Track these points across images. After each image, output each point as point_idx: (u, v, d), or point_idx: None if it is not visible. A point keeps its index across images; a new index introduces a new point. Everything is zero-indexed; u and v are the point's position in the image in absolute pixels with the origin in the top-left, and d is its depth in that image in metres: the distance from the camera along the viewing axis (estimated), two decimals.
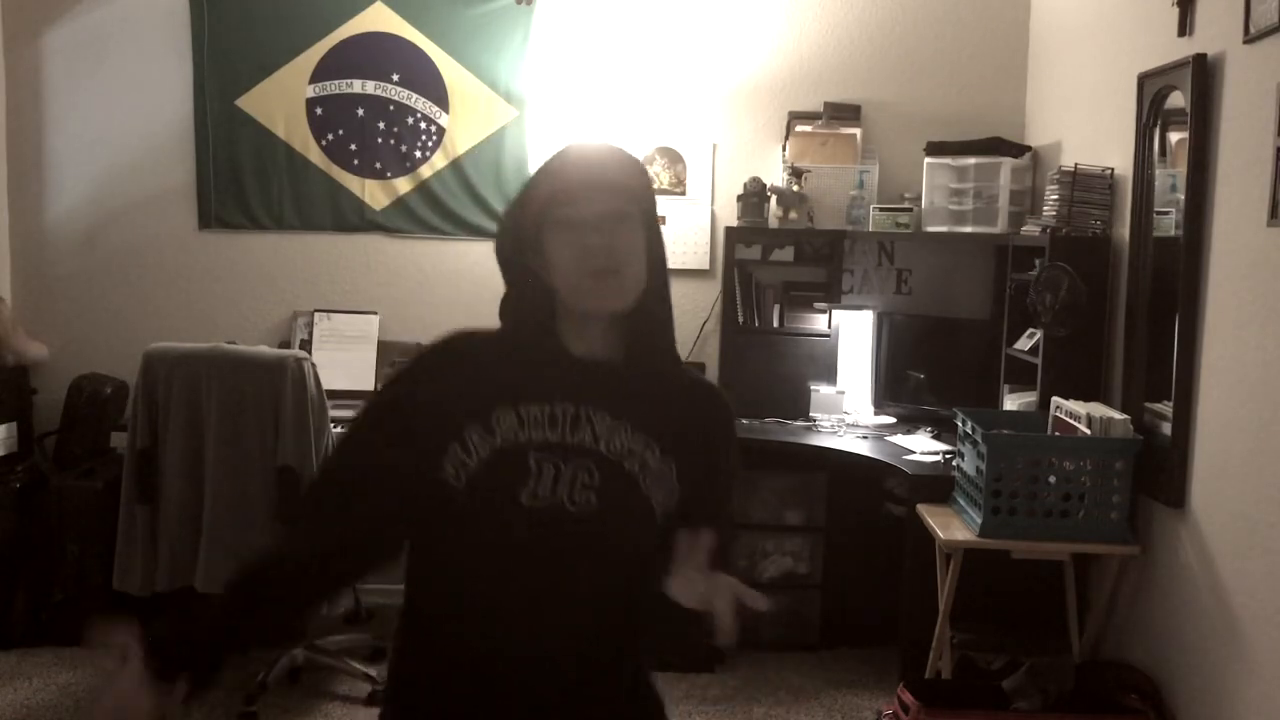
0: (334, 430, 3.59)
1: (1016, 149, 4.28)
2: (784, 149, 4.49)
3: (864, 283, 4.56)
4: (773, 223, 4.41)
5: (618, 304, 1.45)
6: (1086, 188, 3.61)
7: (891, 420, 4.38)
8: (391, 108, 4.55)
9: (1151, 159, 3.33)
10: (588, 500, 1.42)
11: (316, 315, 4.52)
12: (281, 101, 4.54)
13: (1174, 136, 3.28)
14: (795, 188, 4.36)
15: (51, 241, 4.62)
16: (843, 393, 4.46)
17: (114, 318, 4.60)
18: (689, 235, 4.54)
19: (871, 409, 4.47)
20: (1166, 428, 3.15)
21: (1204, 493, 3.00)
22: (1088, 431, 3.24)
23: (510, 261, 1.51)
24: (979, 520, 3.25)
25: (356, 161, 4.58)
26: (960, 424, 3.48)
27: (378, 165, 4.58)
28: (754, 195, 4.38)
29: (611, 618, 1.44)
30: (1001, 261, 4.29)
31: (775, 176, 4.47)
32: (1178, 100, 3.16)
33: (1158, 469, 3.17)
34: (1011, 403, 3.95)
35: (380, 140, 4.56)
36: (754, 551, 4.11)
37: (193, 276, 4.63)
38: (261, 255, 4.63)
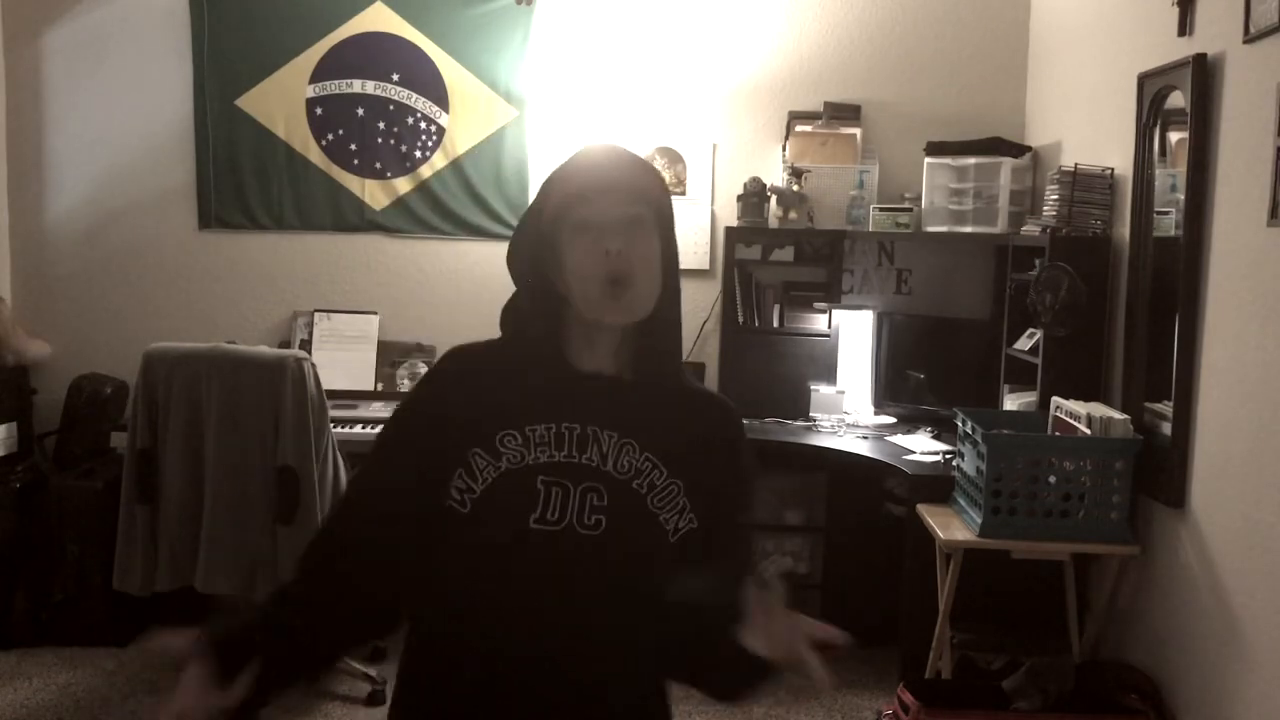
0: (334, 430, 3.59)
1: (1016, 149, 4.28)
2: (784, 149, 4.49)
3: (864, 283, 4.57)
4: (773, 223, 4.42)
5: (630, 317, 1.42)
6: (1086, 188, 3.61)
7: (891, 420, 4.38)
8: (391, 108, 4.55)
9: (1151, 159, 3.33)
10: (597, 522, 1.39)
11: (316, 315, 4.52)
12: (281, 101, 4.54)
13: (1174, 136, 3.27)
14: (795, 188, 4.36)
15: (51, 241, 4.62)
16: (843, 393, 4.46)
17: (114, 318, 4.61)
18: (689, 235, 4.54)
19: (871, 409, 4.47)
20: (1166, 428, 3.15)
21: (1204, 493, 2.99)
22: (1088, 431, 3.24)
23: (522, 266, 1.48)
24: (979, 520, 3.25)
25: (356, 161, 4.58)
26: (960, 424, 3.48)
27: (378, 165, 4.58)
28: (754, 195, 4.39)
29: (621, 638, 1.41)
30: (1001, 261, 4.29)
31: (775, 176, 4.47)
32: (1178, 100, 3.16)
33: (1158, 469, 3.17)
34: (1011, 403, 3.95)
35: (380, 140, 4.56)
36: (754, 552, 4.11)
37: (193, 276, 4.63)
38: (261, 255, 4.63)
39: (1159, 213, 3.33)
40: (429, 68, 4.54)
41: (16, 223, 4.59)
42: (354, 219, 4.60)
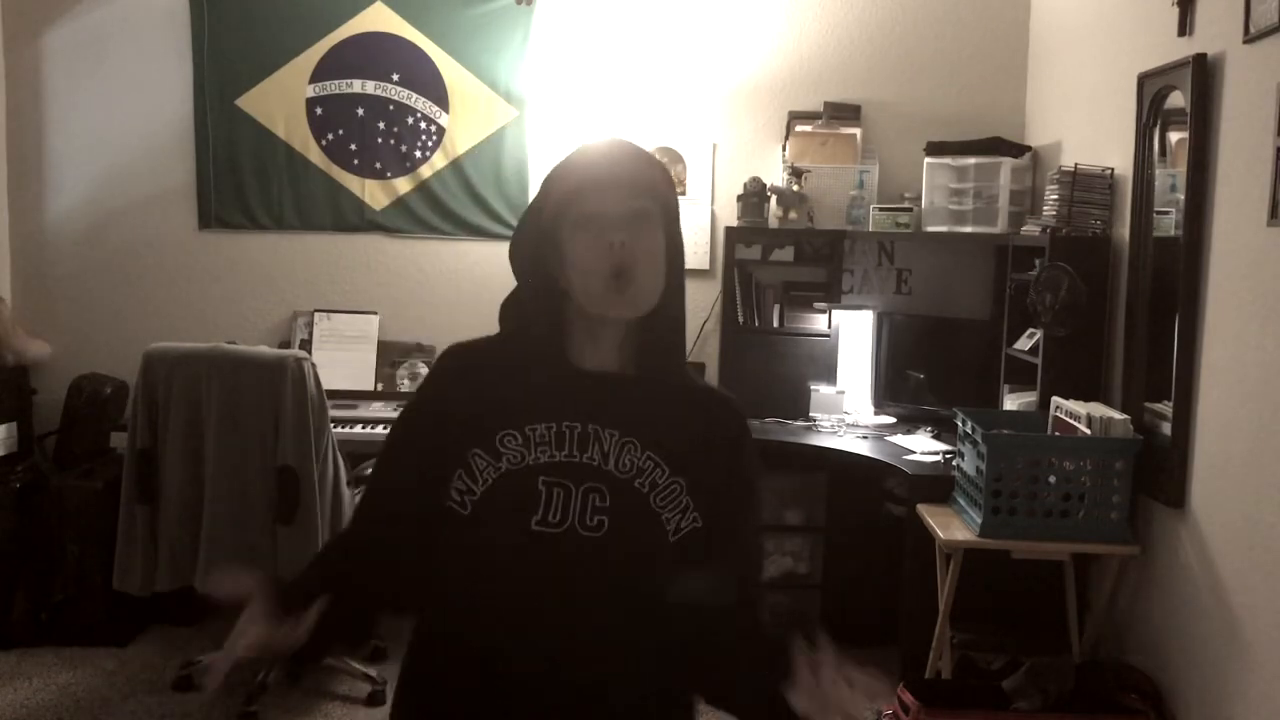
0: (334, 430, 3.59)
1: (1016, 149, 4.28)
2: (784, 149, 4.49)
3: (864, 283, 4.57)
4: (773, 223, 4.41)
5: (633, 311, 1.40)
6: (1086, 188, 3.61)
7: (891, 420, 4.38)
8: (391, 108, 4.55)
9: (1151, 159, 3.33)
10: (600, 523, 1.37)
11: (316, 315, 4.52)
12: (281, 101, 4.54)
13: (1174, 136, 3.27)
14: (795, 188, 4.36)
15: (51, 241, 4.62)
16: (843, 393, 4.46)
17: (114, 318, 4.61)
18: (689, 235, 4.48)
19: (871, 409, 4.47)
20: (1166, 428, 3.15)
21: (1204, 493, 2.99)
22: (1088, 431, 3.24)
23: (524, 260, 1.46)
24: (979, 520, 3.25)
25: (356, 161, 4.58)
26: (960, 424, 3.48)
27: (378, 165, 4.58)
28: (754, 195, 4.38)
29: (622, 639, 1.39)
30: (1001, 261, 4.29)
31: (775, 176, 4.47)
32: (1178, 100, 3.16)
33: (1158, 469, 3.17)
34: (1011, 403, 3.95)
35: (380, 140, 4.56)
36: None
37: (193, 276, 4.64)
38: (261, 255, 4.63)
39: (1159, 213, 3.33)
40: (429, 68, 4.54)
41: (16, 223, 4.59)
42: (354, 219, 4.60)
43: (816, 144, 4.45)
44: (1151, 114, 3.31)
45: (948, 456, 3.79)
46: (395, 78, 4.54)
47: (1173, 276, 3.12)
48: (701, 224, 4.56)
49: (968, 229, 4.29)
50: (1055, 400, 3.46)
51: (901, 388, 4.45)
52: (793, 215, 4.37)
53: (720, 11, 4.53)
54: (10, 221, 4.58)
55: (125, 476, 3.53)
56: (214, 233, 4.62)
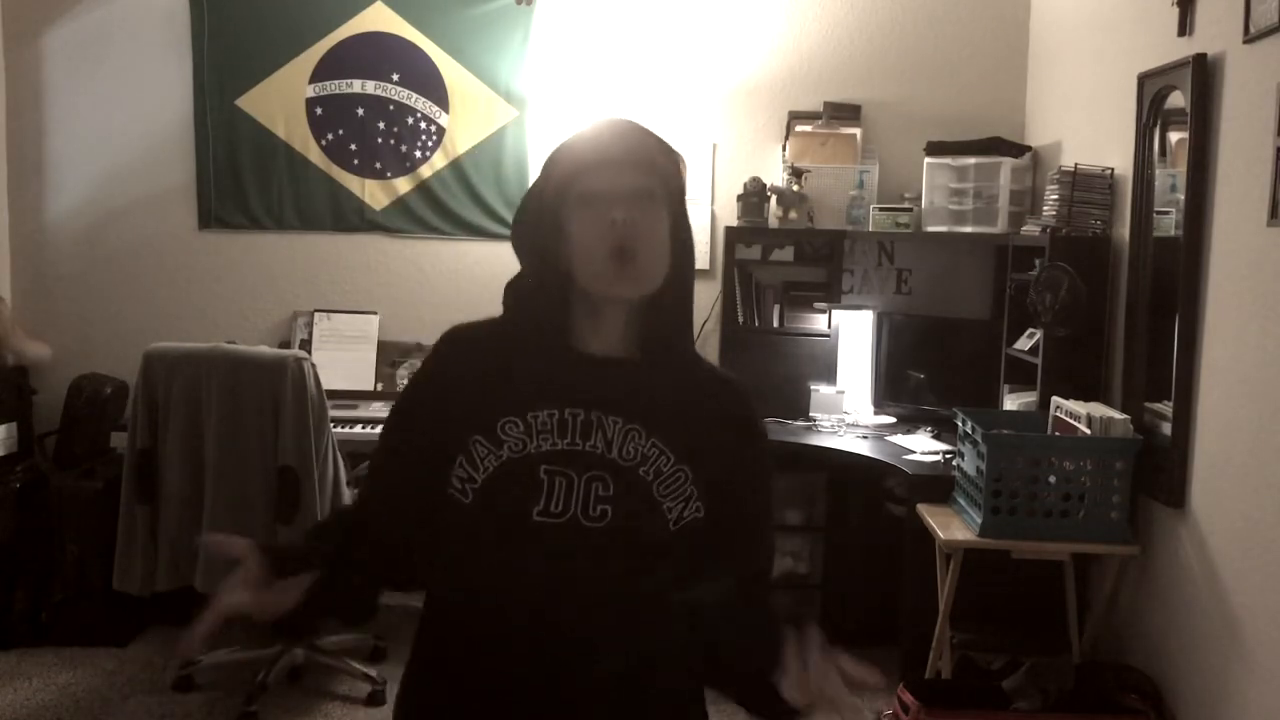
0: (334, 430, 3.59)
1: (1016, 149, 4.28)
2: (784, 149, 4.49)
3: (864, 283, 4.57)
4: (773, 223, 4.41)
5: (636, 290, 1.38)
6: (1086, 188, 3.61)
7: (891, 420, 4.38)
8: (391, 108, 4.55)
9: (1151, 159, 3.33)
10: (603, 513, 1.35)
11: (316, 315, 4.52)
12: (281, 101, 4.54)
13: (1174, 136, 3.27)
14: (795, 188, 4.36)
15: (51, 241, 4.62)
16: (843, 393, 4.46)
17: (114, 318, 4.61)
18: None
19: (871, 409, 4.47)
20: (1166, 428, 3.15)
21: (1204, 493, 2.99)
22: (1088, 431, 3.24)
23: (526, 242, 1.44)
24: (979, 520, 3.25)
25: (356, 161, 4.58)
26: (960, 424, 3.48)
27: (378, 165, 4.58)
28: (754, 195, 4.38)
29: (626, 630, 1.38)
30: (1001, 261, 4.29)
31: (775, 176, 4.47)
32: (1178, 100, 3.16)
33: (1158, 469, 3.17)
34: (1011, 403, 3.95)
35: (380, 140, 4.56)
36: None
37: (193, 276, 4.63)
38: (261, 255, 4.63)
39: (1159, 213, 3.33)
40: (429, 68, 4.54)
41: (16, 223, 4.59)
42: (354, 219, 4.60)
43: (816, 144, 4.45)
44: (1151, 114, 3.31)
45: (948, 456, 3.79)
46: (395, 78, 4.54)
47: (1173, 276, 3.12)
48: (701, 224, 4.56)
49: (968, 229, 4.29)
50: (1055, 400, 3.46)
51: (901, 388, 4.45)
52: (793, 215, 4.37)
53: (720, 11, 4.53)
54: (10, 221, 4.58)
55: (125, 476, 3.53)
56: (214, 233, 4.62)
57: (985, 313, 4.44)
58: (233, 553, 1.34)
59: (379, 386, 4.42)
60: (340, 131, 4.56)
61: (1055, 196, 3.67)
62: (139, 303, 4.62)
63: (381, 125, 4.56)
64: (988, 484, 3.22)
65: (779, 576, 4.14)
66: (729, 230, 4.45)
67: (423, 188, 4.59)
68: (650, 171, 1.38)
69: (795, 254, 4.52)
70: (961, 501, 3.45)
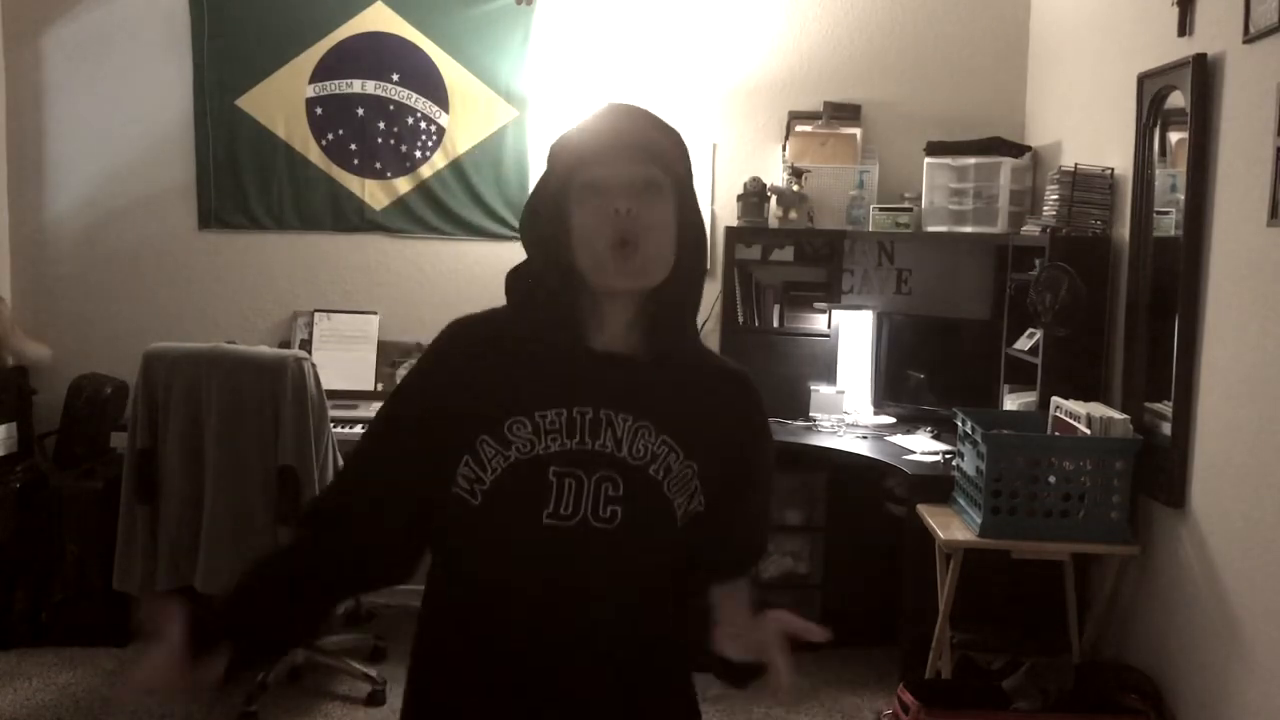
0: (334, 430, 3.59)
1: (1016, 149, 4.28)
2: (784, 149, 4.49)
3: (864, 283, 4.57)
4: (773, 223, 4.41)
5: (637, 282, 1.36)
6: (1086, 188, 3.61)
7: (891, 420, 4.38)
8: (391, 108, 4.55)
9: (1151, 159, 3.33)
10: (613, 514, 1.33)
11: (316, 315, 4.52)
12: (281, 101, 4.54)
13: (1174, 136, 3.28)
14: (795, 188, 4.36)
15: (51, 241, 4.62)
16: (843, 393, 4.46)
17: (114, 318, 4.60)
18: None
19: (871, 409, 4.47)
20: (1166, 428, 3.15)
21: (1204, 493, 3.00)
22: (1088, 431, 3.24)
23: (532, 233, 1.41)
24: (979, 520, 3.25)
25: (356, 161, 4.58)
26: (960, 424, 3.48)
27: (378, 165, 4.58)
28: (754, 195, 4.38)
29: (634, 623, 1.37)
30: (1001, 261, 4.29)
31: (775, 176, 4.47)
32: (1178, 100, 3.16)
33: (1158, 469, 3.17)
34: (1011, 403, 3.95)
35: (380, 140, 4.56)
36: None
37: (193, 276, 4.63)
38: (261, 255, 4.63)
39: (1159, 213, 3.33)
40: (429, 68, 4.53)
41: (16, 223, 4.59)
42: (354, 219, 4.60)
43: (816, 144, 4.45)
44: (1151, 114, 3.31)
45: (948, 456, 3.79)
46: (395, 78, 4.54)
47: (1173, 276, 3.12)
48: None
49: (968, 229, 4.29)
50: (1055, 400, 3.46)
51: (901, 388, 4.45)
52: (793, 215, 4.37)
53: (720, 11, 4.53)
54: (10, 221, 4.58)
55: (125, 476, 3.53)
56: (214, 233, 4.62)
57: (985, 313, 4.44)
58: (161, 620, 1.32)
59: (379, 386, 4.42)
60: (340, 131, 4.56)
61: (1055, 196, 3.67)
62: (139, 303, 4.62)
63: (381, 125, 4.56)
64: (988, 484, 3.22)
65: (779, 576, 4.14)
66: (729, 230, 4.45)
67: (423, 188, 4.59)
68: (655, 161, 1.36)
69: (795, 254, 4.51)
70: (961, 501, 3.45)
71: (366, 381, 4.42)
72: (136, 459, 3.48)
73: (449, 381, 1.41)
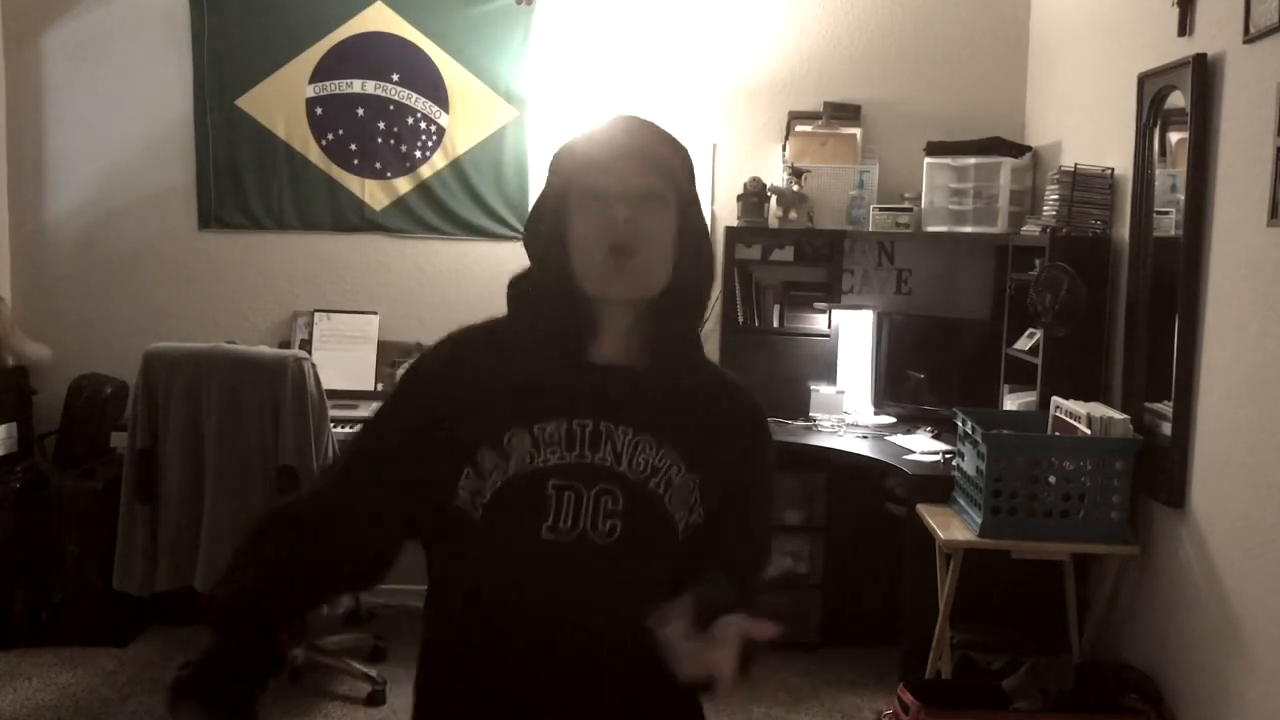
0: (334, 430, 3.59)
1: (1016, 149, 4.28)
2: (784, 149, 4.49)
3: (864, 283, 4.57)
4: (773, 223, 4.41)
5: (633, 290, 1.35)
6: (1086, 188, 3.61)
7: (891, 420, 4.38)
8: (391, 108, 4.55)
9: (1151, 159, 3.33)
10: (612, 528, 1.32)
11: (316, 315, 4.52)
12: (281, 101, 4.54)
13: (1174, 136, 3.28)
14: (795, 188, 4.36)
15: (51, 241, 4.62)
16: (843, 393, 4.46)
17: (114, 318, 4.60)
18: None
19: (871, 409, 4.47)
20: (1166, 428, 3.15)
21: (1204, 493, 3.00)
22: (1088, 431, 3.24)
23: (534, 242, 1.41)
24: (979, 520, 3.25)
25: (356, 161, 4.58)
26: (960, 424, 3.48)
27: (378, 165, 4.58)
28: (754, 195, 4.38)
29: (635, 636, 1.31)
30: (1001, 261, 4.29)
31: (775, 176, 4.47)
32: (1178, 100, 3.16)
33: (1158, 469, 3.17)
34: (1011, 403, 3.95)
35: (380, 140, 4.56)
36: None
37: (193, 276, 4.63)
38: (261, 255, 4.63)
39: (1159, 213, 3.33)
40: (429, 68, 4.53)
41: (16, 223, 4.59)
42: (354, 219, 4.60)
43: (816, 144, 4.45)
44: (1151, 114, 3.31)
45: (948, 456, 3.79)
46: (395, 78, 4.54)
47: (1173, 276, 3.12)
48: None
49: (968, 229, 4.29)
50: (1055, 400, 3.46)
51: (901, 388, 4.45)
52: (793, 215, 4.37)
53: (720, 11, 4.53)
54: (10, 221, 4.58)
55: (125, 476, 3.53)
56: (214, 233, 4.62)
57: (985, 313, 4.44)
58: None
59: (379, 386, 4.42)
60: (340, 131, 4.56)
61: (1055, 196, 3.67)
62: (139, 303, 4.62)
63: (381, 125, 4.56)
64: (988, 484, 3.22)
65: (779, 576, 4.14)
66: (729, 230, 4.45)
67: (423, 188, 4.58)
68: (658, 172, 1.35)
69: (795, 254, 4.51)
70: (961, 501, 3.45)
71: (366, 381, 4.42)
72: (136, 459, 3.48)
73: (447, 392, 1.39)
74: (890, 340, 4.47)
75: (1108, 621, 3.49)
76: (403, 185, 4.58)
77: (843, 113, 4.47)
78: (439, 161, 4.57)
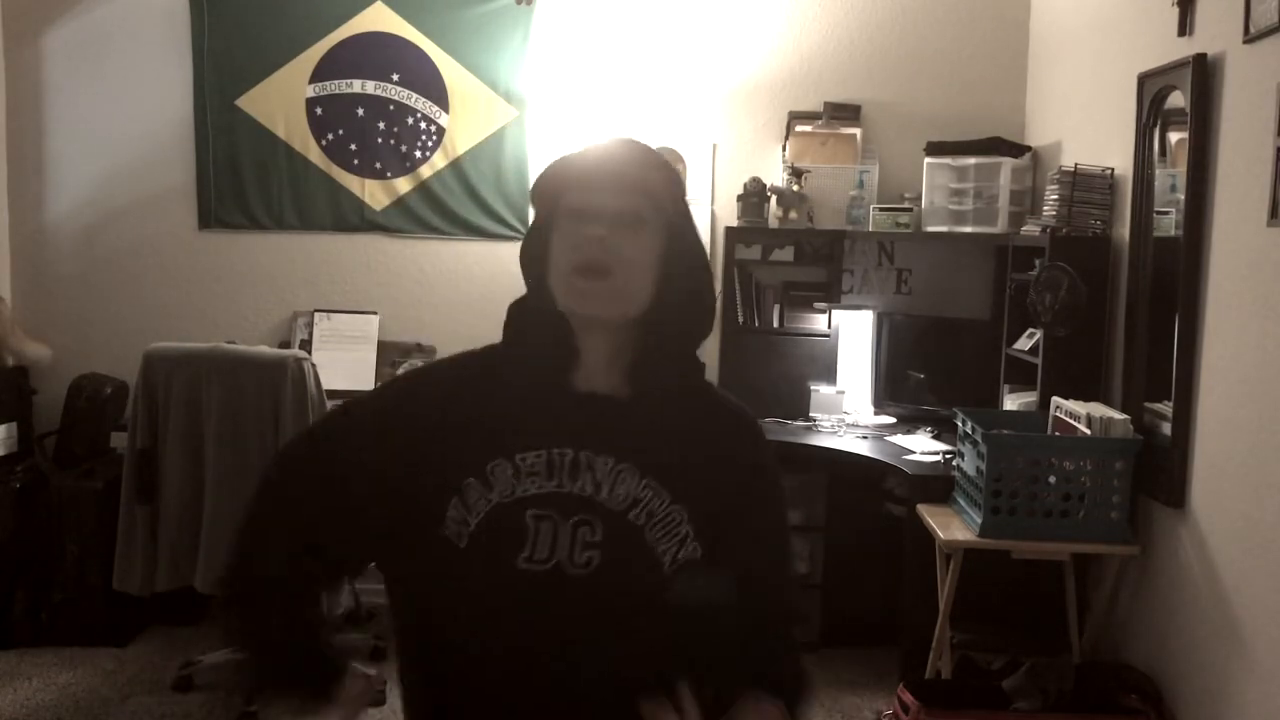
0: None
1: (1016, 149, 4.28)
2: (784, 149, 4.49)
3: (864, 283, 4.56)
4: (773, 223, 4.41)
5: (607, 309, 1.32)
6: (1086, 188, 3.61)
7: (891, 420, 4.38)
8: (391, 108, 4.55)
9: (1151, 159, 3.33)
10: (589, 560, 1.29)
11: (316, 315, 4.52)
12: (281, 101, 4.54)
13: (1174, 136, 3.28)
14: (795, 188, 4.36)
15: (51, 241, 4.62)
16: (843, 393, 4.46)
17: (114, 318, 4.60)
18: None
19: (871, 409, 4.47)
20: (1166, 428, 3.15)
21: (1204, 493, 2.99)
22: (1088, 431, 3.24)
23: (524, 260, 1.40)
24: (979, 520, 3.25)
25: (356, 161, 4.58)
26: (960, 424, 3.48)
27: (378, 165, 4.58)
28: (754, 195, 4.38)
29: (622, 678, 1.30)
30: (1001, 261, 4.29)
31: (775, 176, 4.47)
32: (1178, 100, 3.16)
33: (1158, 469, 3.17)
34: (1011, 403, 3.95)
35: (380, 140, 4.56)
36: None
37: (193, 276, 4.63)
38: (261, 255, 4.63)
39: (1159, 213, 3.33)
40: (429, 68, 4.53)
41: (16, 223, 4.59)
42: (354, 219, 4.60)
43: (816, 144, 4.45)
44: (1151, 114, 3.31)
45: (948, 456, 3.79)
46: (395, 78, 4.54)
47: (1173, 276, 3.12)
48: (701, 224, 4.56)
49: (968, 229, 4.29)
50: (1055, 400, 3.46)
51: (901, 388, 4.45)
52: (793, 215, 4.37)
53: (720, 11, 4.53)
54: (10, 221, 4.58)
55: (125, 476, 3.53)
56: (214, 233, 4.62)
57: (985, 313, 4.44)
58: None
59: (373, 393, 4.41)
60: (340, 131, 4.56)
61: (1055, 196, 3.67)
62: (139, 303, 4.62)
63: (381, 125, 4.56)
64: (988, 484, 3.22)
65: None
66: (729, 230, 4.45)
67: (423, 188, 4.58)
68: (639, 192, 1.33)
69: (795, 254, 4.51)
70: (961, 501, 3.45)
71: (366, 381, 4.42)
72: (136, 459, 3.48)
73: (431, 419, 1.36)
74: (890, 340, 4.47)
75: (1108, 621, 3.49)
76: (403, 185, 4.58)
77: (843, 113, 4.47)
78: (439, 161, 4.57)
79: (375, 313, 4.54)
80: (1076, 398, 3.42)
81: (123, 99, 4.56)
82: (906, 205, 4.36)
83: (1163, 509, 3.18)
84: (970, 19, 4.53)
